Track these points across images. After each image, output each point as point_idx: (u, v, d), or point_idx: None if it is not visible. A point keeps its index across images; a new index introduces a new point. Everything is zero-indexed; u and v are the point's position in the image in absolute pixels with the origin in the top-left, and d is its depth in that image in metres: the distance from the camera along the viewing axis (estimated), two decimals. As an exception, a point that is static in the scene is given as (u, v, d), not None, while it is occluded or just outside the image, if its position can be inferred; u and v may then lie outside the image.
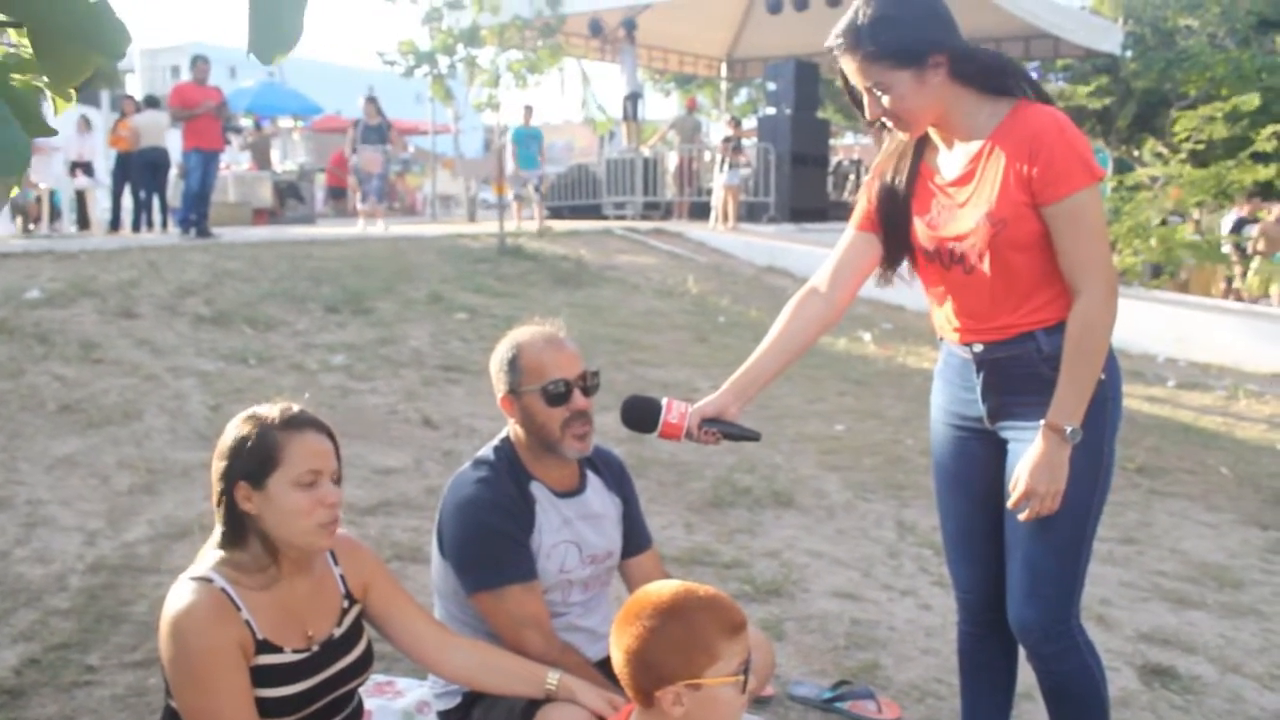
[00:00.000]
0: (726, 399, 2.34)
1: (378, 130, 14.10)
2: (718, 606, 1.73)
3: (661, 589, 1.77)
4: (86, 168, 14.38)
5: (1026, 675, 2.43)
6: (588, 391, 2.36)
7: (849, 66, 2.17)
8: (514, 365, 2.35)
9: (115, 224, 13.49)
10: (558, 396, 2.31)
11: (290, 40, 1.18)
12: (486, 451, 2.43)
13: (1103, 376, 2.17)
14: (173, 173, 13.55)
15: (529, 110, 15.53)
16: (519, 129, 14.97)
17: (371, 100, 14.17)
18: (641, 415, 2.30)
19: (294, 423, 1.96)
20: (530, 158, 14.72)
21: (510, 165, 14.68)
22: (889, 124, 2.23)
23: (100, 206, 14.83)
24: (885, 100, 2.16)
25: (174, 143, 12.69)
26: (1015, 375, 2.24)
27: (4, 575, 3.55)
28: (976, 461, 2.38)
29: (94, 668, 3.01)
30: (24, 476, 4.40)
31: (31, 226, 13.13)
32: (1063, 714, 2.35)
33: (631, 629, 1.73)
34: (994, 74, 2.21)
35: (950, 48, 2.15)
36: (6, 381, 5.49)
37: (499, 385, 2.38)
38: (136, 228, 12.95)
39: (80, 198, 14.20)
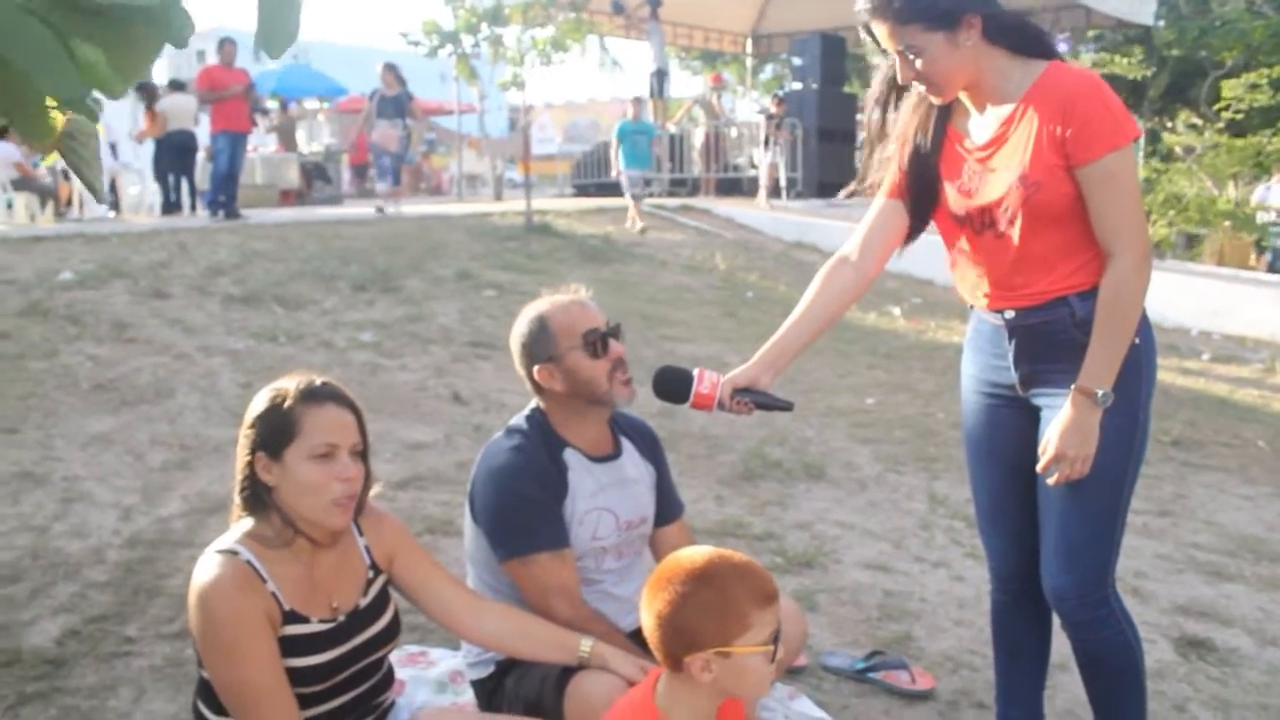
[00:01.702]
0: (758, 370, 2.32)
1: (395, 102, 12.59)
2: (751, 574, 1.72)
3: (694, 555, 1.75)
4: (113, 150, 14.44)
5: (1062, 645, 2.41)
6: (618, 338, 2.37)
7: (880, 30, 2.14)
8: (545, 332, 2.34)
9: (167, 207, 13.43)
10: (599, 345, 2.31)
11: (292, 36, 1.32)
12: (519, 420, 2.42)
13: (1136, 341, 2.14)
14: (200, 155, 13.59)
15: (637, 103, 13.70)
16: (625, 123, 13.07)
17: (390, 68, 12.64)
18: (673, 386, 2.29)
19: (313, 395, 1.95)
20: (639, 155, 12.80)
21: (614, 165, 12.95)
22: (921, 88, 2.20)
23: (130, 191, 14.90)
24: (918, 64, 2.12)
25: (201, 126, 12.72)
26: (1048, 341, 2.21)
27: (43, 549, 3.59)
28: (1008, 430, 2.35)
29: (132, 639, 3.04)
30: (60, 453, 4.44)
31: (63, 210, 13.21)
32: (1098, 684, 2.33)
33: (663, 594, 1.72)
34: (1027, 35, 2.17)
35: (983, 8, 2.11)
36: (41, 361, 5.55)
37: (531, 359, 2.36)
38: (166, 211, 13.03)
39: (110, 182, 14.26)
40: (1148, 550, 4.11)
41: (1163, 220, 12.47)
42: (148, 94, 13.41)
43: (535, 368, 2.35)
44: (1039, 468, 2.20)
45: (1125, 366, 2.12)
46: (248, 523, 1.98)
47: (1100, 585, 2.23)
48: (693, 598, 1.69)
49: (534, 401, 2.45)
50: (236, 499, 1.99)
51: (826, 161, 15.94)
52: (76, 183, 13.78)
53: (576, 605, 2.28)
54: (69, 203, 13.76)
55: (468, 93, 18.98)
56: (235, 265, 8.12)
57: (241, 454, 1.96)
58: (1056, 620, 2.36)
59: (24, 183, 12.75)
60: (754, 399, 2.30)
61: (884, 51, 2.20)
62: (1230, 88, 14.33)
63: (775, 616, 1.72)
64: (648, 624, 1.75)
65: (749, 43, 23.25)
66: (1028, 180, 2.11)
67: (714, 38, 22.83)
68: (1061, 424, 2.13)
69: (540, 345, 2.34)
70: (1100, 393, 2.09)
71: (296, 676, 1.92)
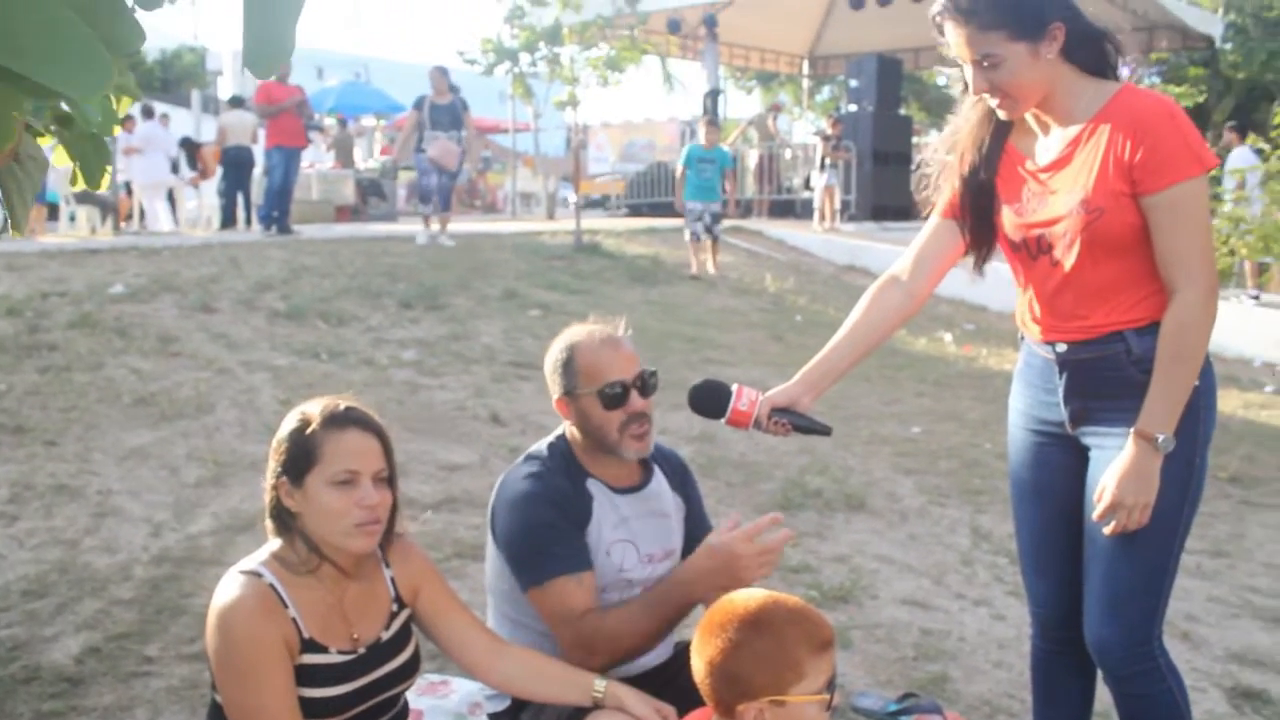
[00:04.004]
0: (799, 390, 2.24)
1: (449, 111, 10.92)
2: (806, 620, 1.66)
3: (748, 599, 1.69)
4: (174, 166, 14.69)
5: (1105, 695, 2.29)
6: (645, 392, 2.26)
7: (956, 36, 2.01)
8: (569, 367, 2.26)
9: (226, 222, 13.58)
10: (615, 399, 2.22)
11: (284, 54, 1.22)
12: (540, 447, 2.36)
13: (1197, 383, 2.02)
14: (257, 171, 13.77)
15: (710, 126, 11.76)
16: (694, 147, 11.17)
17: (440, 71, 10.98)
18: (710, 401, 2.22)
19: (335, 420, 1.92)
20: (706, 187, 10.85)
21: (678, 196, 11.12)
22: (993, 101, 2.09)
23: (187, 205, 15.13)
24: (995, 75, 2.02)
25: (259, 144, 12.89)
26: (1101, 378, 2.09)
27: (72, 564, 3.59)
28: (1055, 469, 2.24)
29: (152, 658, 3.02)
30: (97, 467, 4.46)
31: (121, 225, 13.41)
32: (1141, 740, 2.21)
33: (715, 640, 1.66)
34: (1104, 53, 2.06)
35: (1070, 20, 2.00)
36: (86, 374, 5.60)
37: (554, 387, 2.30)
38: (225, 225, 13.22)
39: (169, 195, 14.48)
40: (1200, 593, 3.94)
41: (1224, 249, 12.14)
42: (189, 148, 14.64)
43: (555, 397, 2.30)
44: (1095, 515, 2.07)
45: (1183, 409, 2.00)
46: (275, 544, 1.95)
47: (1145, 639, 2.11)
48: (746, 645, 1.63)
49: (562, 426, 2.38)
50: (267, 520, 1.96)
51: (881, 184, 15.81)
52: (136, 197, 14.06)
53: (597, 622, 2.17)
54: (128, 217, 14.01)
55: (523, 111, 19.07)
56: (283, 280, 8.17)
57: (269, 477, 1.93)
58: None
59: (86, 196, 13.00)
60: (792, 420, 2.22)
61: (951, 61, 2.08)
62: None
63: (831, 663, 1.66)
64: (698, 669, 1.69)
65: (805, 64, 23.17)
66: (1090, 205, 2.00)
67: (770, 58, 22.80)
68: (1120, 470, 2.01)
69: (563, 377, 2.28)
70: (1161, 437, 1.97)
71: (310, 707, 1.87)
